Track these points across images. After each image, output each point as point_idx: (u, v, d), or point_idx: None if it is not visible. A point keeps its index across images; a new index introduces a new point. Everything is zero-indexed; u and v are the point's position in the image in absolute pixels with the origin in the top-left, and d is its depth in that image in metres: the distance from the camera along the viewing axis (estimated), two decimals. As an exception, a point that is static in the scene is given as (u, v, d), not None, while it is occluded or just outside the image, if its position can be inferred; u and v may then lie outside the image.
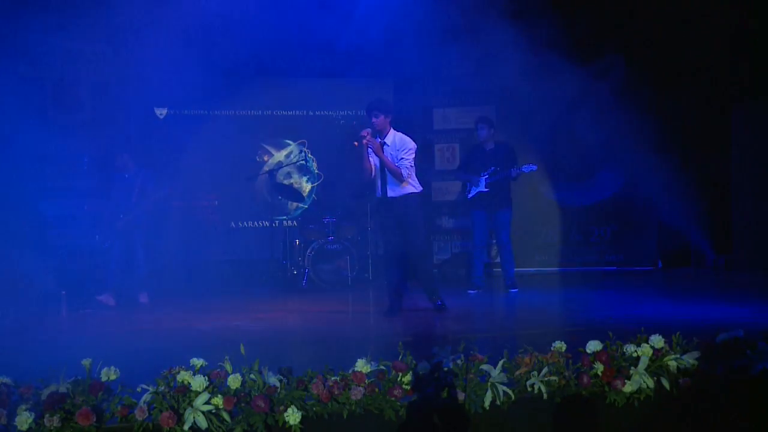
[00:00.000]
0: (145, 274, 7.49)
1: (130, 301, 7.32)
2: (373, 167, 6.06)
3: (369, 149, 6.03)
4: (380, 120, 6.06)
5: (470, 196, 7.64)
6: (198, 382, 2.82)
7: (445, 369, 3.05)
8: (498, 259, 8.17)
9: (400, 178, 6.00)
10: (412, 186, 6.08)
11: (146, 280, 7.53)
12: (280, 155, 10.42)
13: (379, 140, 6.04)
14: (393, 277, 6.10)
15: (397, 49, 8.75)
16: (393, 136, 6.09)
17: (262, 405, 2.80)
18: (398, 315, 5.98)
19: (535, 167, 7.36)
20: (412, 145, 6.10)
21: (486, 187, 7.52)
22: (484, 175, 7.51)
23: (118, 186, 7.57)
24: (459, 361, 3.10)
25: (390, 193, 6.01)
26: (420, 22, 8.36)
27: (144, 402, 2.78)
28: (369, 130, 6.05)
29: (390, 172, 5.98)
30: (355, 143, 6.04)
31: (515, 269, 7.82)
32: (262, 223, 10.15)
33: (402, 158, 6.01)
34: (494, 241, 7.93)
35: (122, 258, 7.41)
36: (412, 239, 6.07)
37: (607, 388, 3.08)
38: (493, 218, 7.66)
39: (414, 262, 6.17)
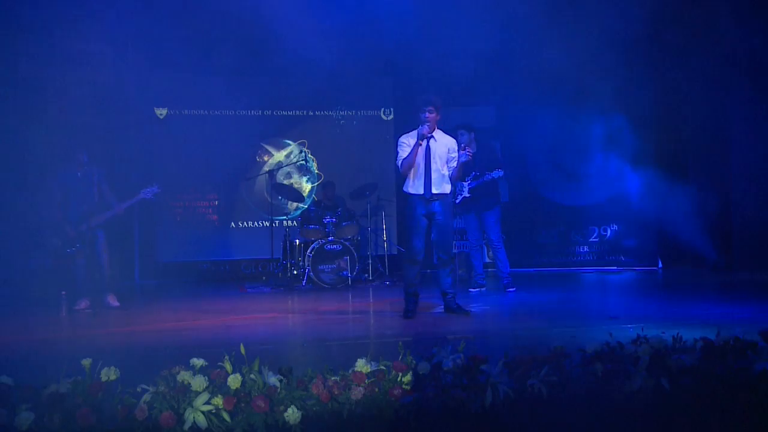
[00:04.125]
0: (111, 276, 7.12)
1: (100, 306, 6.99)
2: (416, 165, 5.94)
3: (422, 146, 5.90)
4: (433, 117, 5.92)
5: (458, 201, 7.76)
6: (198, 382, 2.82)
7: (445, 369, 3.05)
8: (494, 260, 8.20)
9: (462, 178, 5.99)
10: (449, 186, 6.07)
11: (113, 282, 7.17)
12: (280, 155, 10.43)
13: (430, 136, 5.94)
14: (415, 278, 5.99)
15: (397, 48, 8.76)
16: (441, 136, 6.02)
17: (262, 405, 2.80)
18: (415, 317, 5.92)
19: (501, 172, 7.42)
20: (456, 144, 6.09)
21: (468, 193, 7.63)
22: (467, 180, 7.58)
23: (73, 185, 7.03)
24: (459, 361, 3.10)
25: (435, 190, 5.91)
26: (420, 21, 8.37)
27: (144, 402, 2.78)
28: (427, 127, 5.88)
29: (457, 174, 6.00)
30: (420, 142, 5.86)
31: (510, 269, 7.84)
32: (262, 223, 10.16)
33: (454, 158, 5.98)
34: (483, 241, 7.97)
35: (88, 261, 7.00)
36: (446, 238, 6.03)
37: (606, 388, 3.07)
38: (481, 220, 7.76)
39: (443, 262, 6.09)
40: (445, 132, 6.17)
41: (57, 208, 7.01)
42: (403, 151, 5.96)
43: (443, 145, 5.97)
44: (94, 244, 7.03)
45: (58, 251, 7.05)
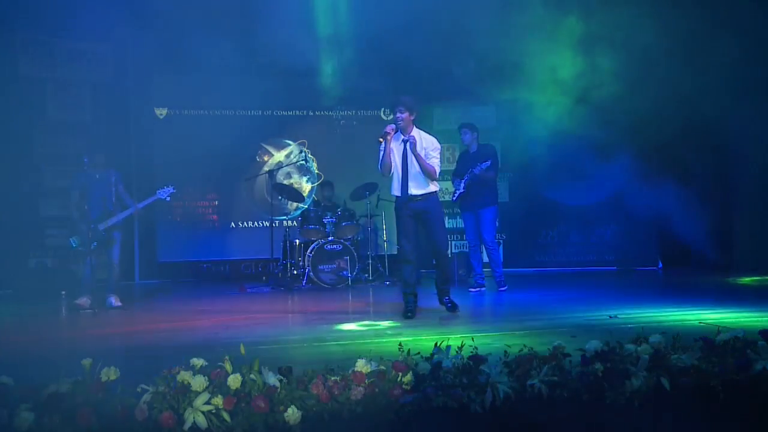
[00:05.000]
0: (118, 277, 7.23)
1: (103, 305, 6.96)
2: (392, 164, 5.98)
3: (395, 146, 5.93)
4: (405, 117, 5.92)
5: (454, 198, 7.84)
6: (198, 382, 2.82)
7: (445, 369, 3.05)
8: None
9: (432, 177, 5.98)
10: (434, 185, 6.07)
11: (119, 283, 7.26)
12: (280, 155, 10.42)
13: (403, 138, 5.96)
14: (411, 278, 6.02)
15: (398, 48, 8.75)
16: (418, 134, 6.00)
17: (262, 405, 2.79)
18: (415, 317, 5.93)
19: (488, 162, 7.45)
20: (438, 144, 6.08)
21: (464, 188, 7.67)
22: (465, 178, 7.61)
23: (92, 186, 7.05)
24: (459, 361, 3.10)
25: (412, 191, 5.93)
26: (421, 20, 8.37)
27: (144, 402, 2.77)
28: (393, 126, 5.93)
29: (423, 170, 5.92)
30: (380, 139, 5.90)
31: (503, 270, 7.93)
32: (262, 223, 10.16)
33: (432, 157, 5.97)
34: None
35: (99, 261, 7.08)
36: (435, 238, 6.06)
37: (607, 388, 3.07)
38: (478, 218, 7.79)
39: (437, 261, 6.17)
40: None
41: (74, 207, 7.02)
42: (380, 154, 6.01)
43: (420, 145, 5.94)
44: (110, 245, 7.09)
45: (75, 249, 7.06)
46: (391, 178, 6.08)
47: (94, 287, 6.98)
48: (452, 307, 6.14)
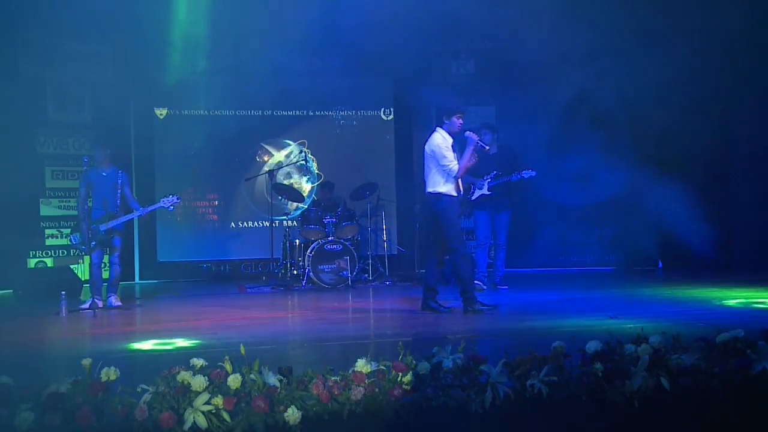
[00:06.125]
0: (118, 277, 7.20)
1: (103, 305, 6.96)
2: None
3: (474, 151, 6.15)
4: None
5: (473, 198, 7.83)
6: (198, 382, 2.81)
7: (445, 369, 3.05)
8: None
9: (464, 178, 6.40)
10: None
11: (118, 282, 7.25)
12: (280, 155, 10.43)
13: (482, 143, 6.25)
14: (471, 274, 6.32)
15: (398, 49, 8.77)
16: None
17: (262, 405, 2.79)
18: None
19: (534, 173, 7.60)
20: None
21: (488, 190, 7.74)
22: (486, 179, 7.68)
23: (98, 183, 7.03)
24: (459, 361, 3.10)
25: (461, 190, 6.26)
26: (421, 21, 8.37)
27: (144, 402, 2.77)
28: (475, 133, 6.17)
29: (466, 169, 6.22)
30: (487, 147, 6.26)
31: (505, 269, 8.06)
32: (262, 223, 10.16)
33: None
34: (492, 241, 8.06)
35: (101, 260, 7.10)
36: None
37: (607, 388, 3.07)
38: (494, 219, 7.87)
39: (441, 260, 6.38)
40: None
41: (79, 205, 7.00)
42: (452, 154, 6.07)
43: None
44: (111, 249, 7.09)
45: (76, 246, 7.08)
46: (442, 179, 6.11)
47: (100, 287, 6.99)
48: (450, 309, 6.19)
